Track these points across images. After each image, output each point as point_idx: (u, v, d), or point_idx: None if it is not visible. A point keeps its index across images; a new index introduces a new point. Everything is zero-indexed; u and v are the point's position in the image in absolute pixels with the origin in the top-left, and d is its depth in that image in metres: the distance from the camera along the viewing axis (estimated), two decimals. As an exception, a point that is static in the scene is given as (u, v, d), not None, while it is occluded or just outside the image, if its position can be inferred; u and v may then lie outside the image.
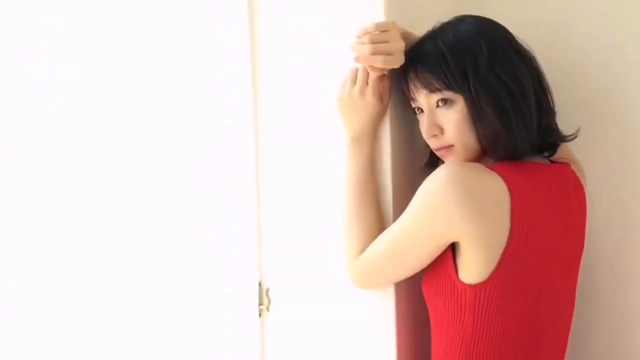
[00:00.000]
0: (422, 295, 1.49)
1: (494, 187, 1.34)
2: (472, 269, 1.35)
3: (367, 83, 1.48)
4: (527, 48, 1.45)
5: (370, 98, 1.48)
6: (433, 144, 1.44)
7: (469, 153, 1.42)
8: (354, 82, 1.50)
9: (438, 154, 1.46)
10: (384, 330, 1.55)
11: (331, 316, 1.65)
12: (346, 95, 1.51)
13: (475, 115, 1.38)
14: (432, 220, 1.35)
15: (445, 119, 1.41)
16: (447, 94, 1.39)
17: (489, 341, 1.37)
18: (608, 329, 1.71)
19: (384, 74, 1.48)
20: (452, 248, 1.39)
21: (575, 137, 1.52)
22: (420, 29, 1.49)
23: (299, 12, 1.68)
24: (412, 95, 1.45)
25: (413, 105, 1.48)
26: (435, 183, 1.34)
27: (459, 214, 1.32)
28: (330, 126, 1.60)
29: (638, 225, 1.68)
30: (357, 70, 1.50)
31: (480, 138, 1.40)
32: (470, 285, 1.36)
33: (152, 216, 2.04)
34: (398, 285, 1.53)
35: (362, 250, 1.48)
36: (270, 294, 1.76)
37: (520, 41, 1.45)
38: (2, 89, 2.11)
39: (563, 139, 1.49)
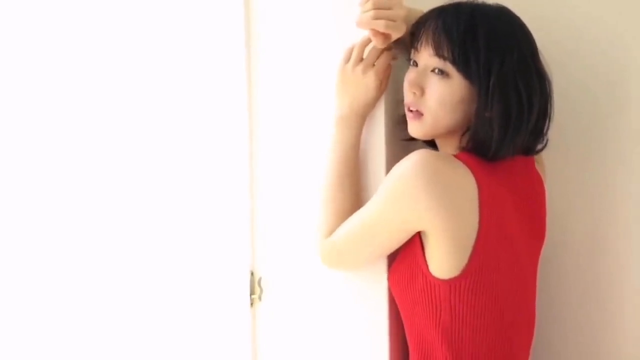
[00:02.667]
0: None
1: (463, 179, 1.33)
2: (444, 263, 1.34)
3: (373, 65, 1.47)
4: (547, 69, 1.43)
5: (371, 79, 1.47)
6: (408, 99, 1.42)
7: (435, 129, 1.40)
8: (360, 58, 1.48)
9: (408, 114, 1.43)
10: (376, 320, 1.54)
11: (323, 306, 1.65)
12: (349, 69, 1.49)
13: (482, 106, 1.36)
14: (399, 207, 1.34)
15: (434, 86, 1.38)
16: (451, 70, 1.36)
17: (470, 339, 1.36)
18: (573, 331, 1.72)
19: (389, 64, 1.48)
20: (421, 244, 1.37)
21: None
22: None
23: (294, 11, 1.68)
24: (418, 46, 1.41)
25: (411, 57, 1.44)
26: (405, 170, 1.33)
27: (426, 203, 1.31)
28: (322, 117, 1.60)
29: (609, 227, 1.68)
30: (364, 46, 1.49)
31: (462, 128, 1.40)
32: (444, 281, 1.34)
33: (144, 207, 2.04)
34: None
35: (333, 230, 1.48)
36: (262, 283, 1.75)
37: (543, 59, 1.43)
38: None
39: (538, 152, 1.49)
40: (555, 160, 1.65)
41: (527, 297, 1.47)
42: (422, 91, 1.39)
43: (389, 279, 1.48)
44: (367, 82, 1.47)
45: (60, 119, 2.16)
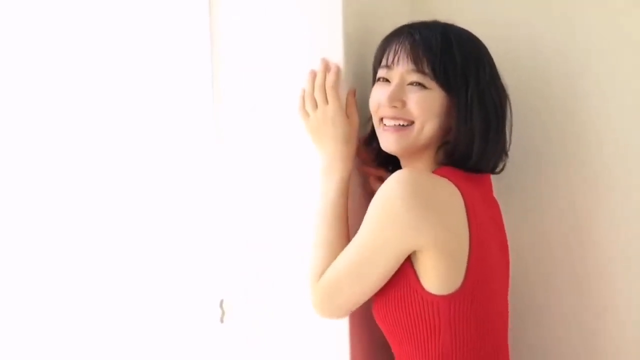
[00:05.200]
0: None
1: (449, 193, 1.33)
2: (442, 278, 1.32)
3: (327, 102, 1.47)
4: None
5: (337, 118, 1.47)
6: (389, 113, 1.41)
7: (418, 139, 1.40)
8: (314, 105, 1.49)
9: (386, 129, 1.42)
10: (338, 345, 1.52)
11: (286, 329, 1.63)
12: (313, 121, 1.49)
13: (462, 117, 1.38)
14: (390, 230, 1.32)
15: (415, 96, 1.39)
16: (428, 81, 1.38)
17: (470, 353, 1.35)
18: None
19: (352, 94, 1.49)
20: (411, 264, 1.35)
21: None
22: (377, 32, 1.49)
23: (259, 13, 1.66)
24: (389, 63, 1.42)
25: (379, 75, 1.44)
26: (390, 193, 1.32)
27: (418, 221, 1.30)
28: (289, 133, 1.59)
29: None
30: (312, 91, 1.49)
31: (442, 137, 1.41)
32: (443, 297, 1.33)
33: (104, 225, 2.00)
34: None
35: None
36: (224, 305, 1.72)
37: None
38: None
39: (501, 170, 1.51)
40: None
41: (505, 303, 1.48)
42: (403, 103, 1.40)
43: (373, 307, 1.44)
44: (334, 122, 1.46)
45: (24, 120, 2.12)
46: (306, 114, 1.50)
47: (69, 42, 2.02)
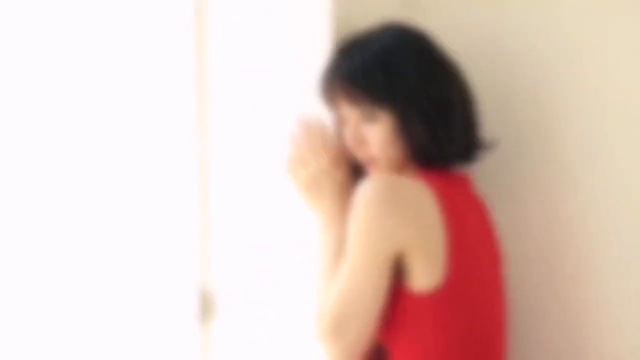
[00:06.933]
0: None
1: (419, 191, 1.35)
2: (422, 277, 1.34)
3: (317, 160, 1.45)
4: (453, 60, 1.46)
5: (332, 171, 1.45)
6: (358, 154, 1.43)
7: (393, 164, 1.42)
8: (305, 163, 1.47)
9: (363, 161, 1.44)
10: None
11: (275, 324, 1.64)
12: (306, 179, 1.46)
13: (403, 128, 1.39)
14: (375, 238, 1.33)
15: (370, 134, 1.40)
16: (372, 108, 1.39)
17: (458, 350, 1.37)
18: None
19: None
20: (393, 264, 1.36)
21: (495, 146, 1.53)
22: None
23: (247, 13, 1.69)
24: (332, 105, 1.44)
25: (334, 114, 1.45)
26: (363, 202, 1.33)
27: (395, 222, 1.32)
28: (275, 128, 1.61)
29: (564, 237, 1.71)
30: (299, 153, 1.47)
31: (406, 148, 1.41)
32: (425, 295, 1.35)
33: (87, 220, 1.96)
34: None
35: None
36: (212, 301, 1.71)
37: (446, 52, 1.45)
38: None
39: (485, 148, 1.51)
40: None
41: (495, 297, 1.48)
42: (364, 141, 1.41)
43: None
44: (329, 174, 1.45)
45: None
46: (296, 174, 1.47)
47: (55, 42, 2.00)
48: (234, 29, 1.71)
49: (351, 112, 1.41)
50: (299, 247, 1.59)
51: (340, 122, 1.45)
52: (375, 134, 1.40)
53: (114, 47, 1.94)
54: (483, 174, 1.64)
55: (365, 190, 1.34)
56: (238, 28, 1.70)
